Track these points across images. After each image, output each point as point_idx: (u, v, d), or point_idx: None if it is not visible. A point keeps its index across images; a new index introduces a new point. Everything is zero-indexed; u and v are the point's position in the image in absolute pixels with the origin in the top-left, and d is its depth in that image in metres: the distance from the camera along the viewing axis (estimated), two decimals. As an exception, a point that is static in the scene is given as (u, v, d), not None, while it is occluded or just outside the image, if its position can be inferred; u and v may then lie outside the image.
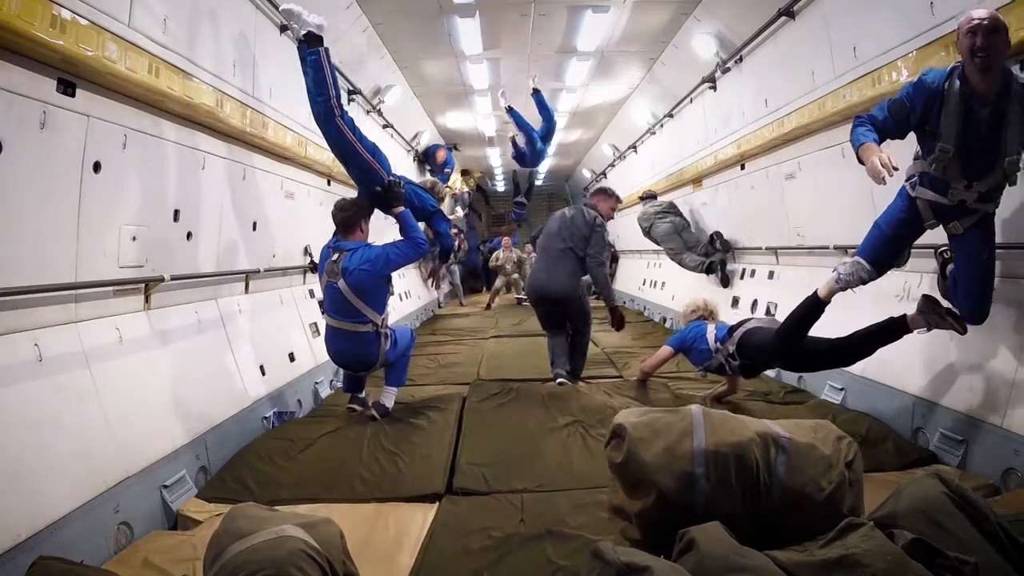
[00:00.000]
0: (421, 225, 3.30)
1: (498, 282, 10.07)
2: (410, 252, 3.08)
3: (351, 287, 2.94)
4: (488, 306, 9.36)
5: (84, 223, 2.23)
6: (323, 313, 3.13)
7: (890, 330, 2.61)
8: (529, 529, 2.02)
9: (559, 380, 3.75)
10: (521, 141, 6.57)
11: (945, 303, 2.48)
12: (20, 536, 1.69)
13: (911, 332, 2.56)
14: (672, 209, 6.30)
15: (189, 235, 2.93)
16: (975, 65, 2.04)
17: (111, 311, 2.42)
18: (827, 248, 3.83)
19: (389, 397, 3.22)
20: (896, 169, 2.10)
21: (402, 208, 3.18)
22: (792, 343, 2.77)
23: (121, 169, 2.40)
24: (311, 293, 4.46)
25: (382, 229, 3.85)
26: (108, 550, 1.98)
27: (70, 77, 2.09)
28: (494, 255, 10.30)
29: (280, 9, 2.78)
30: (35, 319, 2.04)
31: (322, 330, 4.33)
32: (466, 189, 10.33)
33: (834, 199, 3.77)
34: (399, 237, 3.17)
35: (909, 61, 2.76)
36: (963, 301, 2.39)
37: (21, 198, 1.96)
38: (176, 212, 2.81)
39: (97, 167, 2.27)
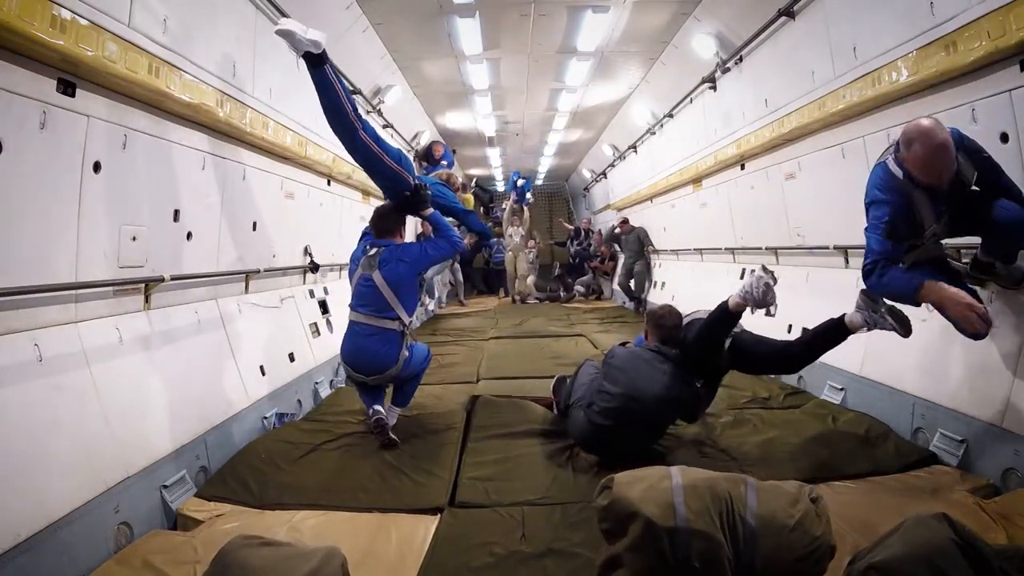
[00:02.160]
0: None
1: (520, 269, 9.98)
2: (447, 248, 3.14)
3: (387, 280, 2.93)
4: (513, 300, 9.65)
5: (84, 223, 2.23)
6: (351, 310, 3.02)
7: (831, 332, 2.56)
8: (530, 544, 2.02)
9: None
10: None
11: (887, 302, 2.42)
12: (20, 536, 1.69)
13: (852, 333, 2.51)
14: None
15: (189, 235, 2.93)
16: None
17: (111, 311, 2.42)
18: (827, 248, 3.83)
19: (392, 416, 3.14)
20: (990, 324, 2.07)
21: (431, 210, 3.20)
22: (705, 349, 2.69)
23: (121, 169, 2.41)
24: (311, 293, 4.47)
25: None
26: (108, 550, 1.99)
27: (70, 77, 2.09)
28: (506, 238, 10.17)
29: (275, 31, 2.72)
30: (35, 319, 2.04)
31: (322, 330, 4.35)
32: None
33: (834, 199, 3.78)
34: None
35: (909, 61, 2.76)
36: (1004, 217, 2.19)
37: (21, 198, 1.96)
38: (176, 212, 2.81)
39: (97, 167, 2.27)
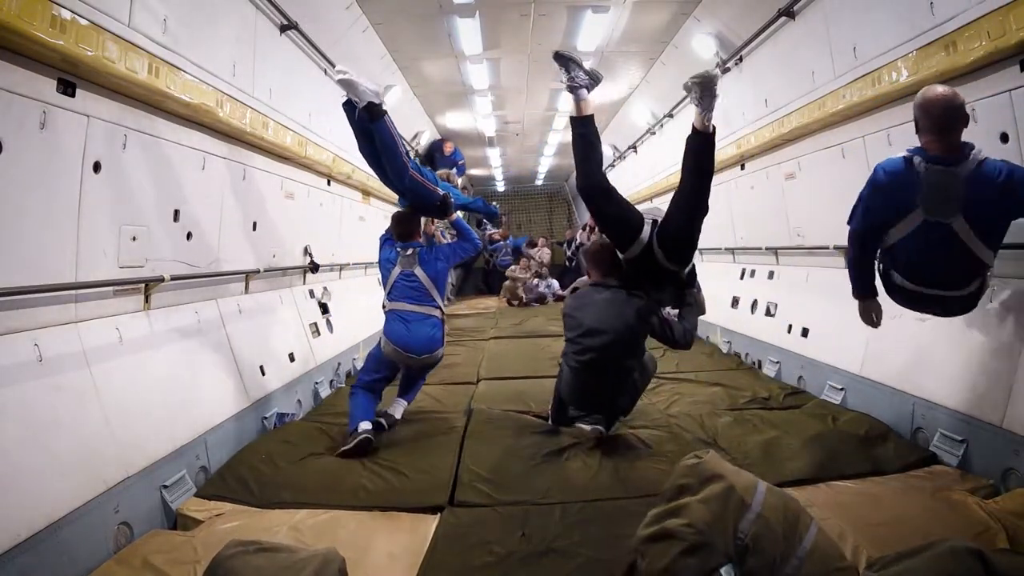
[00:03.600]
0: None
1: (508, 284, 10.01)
2: (471, 249, 3.53)
3: (428, 274, 3.23)
4: (508, 303, 9.69)
5: (84, 223, 2.23)
6: (391, 301, 3.23)
7: (692, 142, 2.45)
8: (530, 543, 2.02)
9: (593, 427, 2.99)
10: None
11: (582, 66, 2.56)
12: (20, 536, 1.69)
13: (703, 129, 2.40)
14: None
15: (189, 235, 2.93)
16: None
17: (111, 311, 2.42)
18: (827, 248, 3.83)
19: (399, 408, 3.26)
20: None
21: (457, 215, 3.52)
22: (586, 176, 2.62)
23: (121, 169, 2.41)
24: (311, 293, 4.47)
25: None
26: (108, 550, 1.99)
27: (70, 77, 2.09)
28: (510, 270, 10.22)
29: (336, 80, 2.77)
30: (35, 319, 2.04)
31: (322, 330, 4.35)
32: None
33: (834, 199, 3.77)
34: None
35: (909, 61, 2.76)
36: None
37: (21, 198, 1.96)
38: (176, 212, 2.81)
39: (97, 167, 2.27)
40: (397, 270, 3.24)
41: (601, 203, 2.68)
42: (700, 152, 2.45)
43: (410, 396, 3.35)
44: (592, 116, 2.61)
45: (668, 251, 2.59)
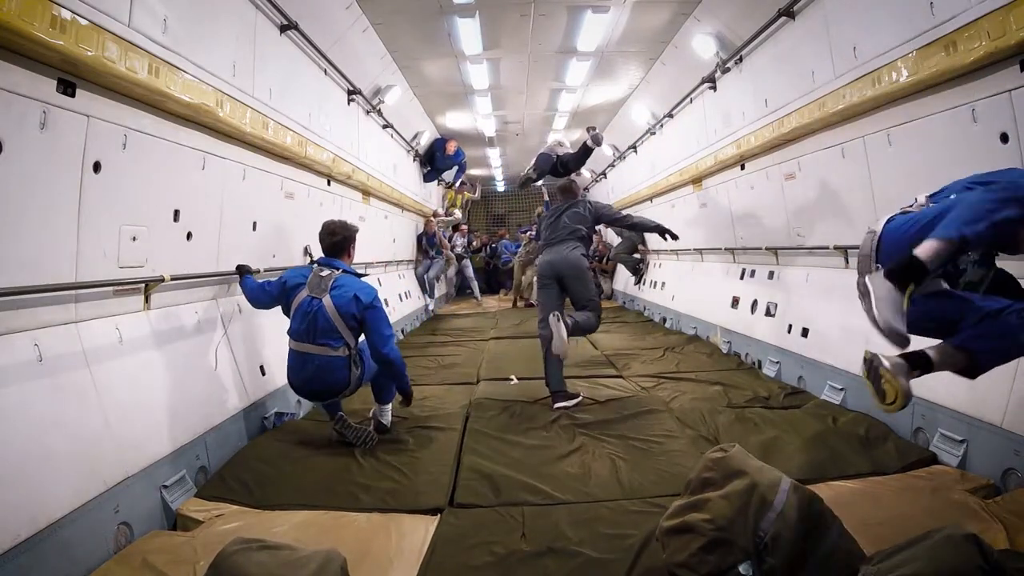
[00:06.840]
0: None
1: (526, 277, 9.64)
2: (387, 336, 2.88)
3: (336, 306, 2.77)
4: (526, 303, 9.41)
5: (84, 223, 2.23)
6: (290, 337, 2.90)
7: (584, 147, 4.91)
8: (530, 544, 2.01)
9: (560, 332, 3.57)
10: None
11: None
12: (20, 536, 1.69)
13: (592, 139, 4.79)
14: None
15: (189, 235, 2.93)
16: None
17: (111, 311, 2.42)
18: (827, 248, 3.83)
19: (385, 414, 3.11)
20: None
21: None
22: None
23: (121, 169, 2.40)
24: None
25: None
26: (108, 550, 1.99)
27: (70, 77, 2.09)
28: (520, 250, 10.08)
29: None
30: (35, 319, 2.04)
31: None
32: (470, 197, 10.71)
33: (834, 199, 3.78)
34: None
35: (909, 61, 2.76)
36: None
37: (21, 198, 1.96)
38: (176, 212, 2.81)
39: (97, 167, 2.27)
40: (303, 294, 2.81)
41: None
42: (587, 155, 5.06)
43: (387, 397, 3.11)
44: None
45: None
